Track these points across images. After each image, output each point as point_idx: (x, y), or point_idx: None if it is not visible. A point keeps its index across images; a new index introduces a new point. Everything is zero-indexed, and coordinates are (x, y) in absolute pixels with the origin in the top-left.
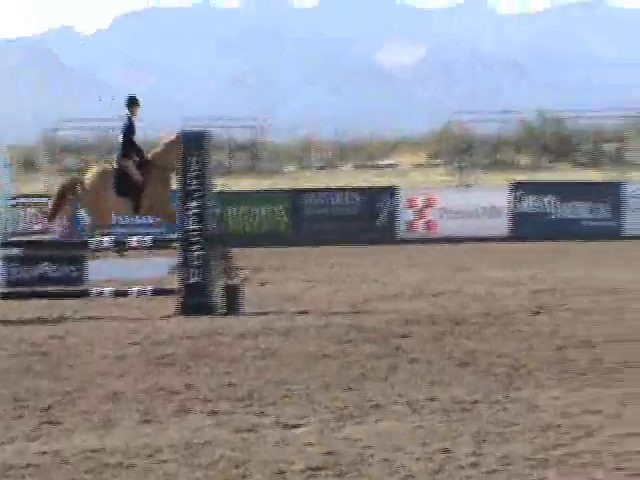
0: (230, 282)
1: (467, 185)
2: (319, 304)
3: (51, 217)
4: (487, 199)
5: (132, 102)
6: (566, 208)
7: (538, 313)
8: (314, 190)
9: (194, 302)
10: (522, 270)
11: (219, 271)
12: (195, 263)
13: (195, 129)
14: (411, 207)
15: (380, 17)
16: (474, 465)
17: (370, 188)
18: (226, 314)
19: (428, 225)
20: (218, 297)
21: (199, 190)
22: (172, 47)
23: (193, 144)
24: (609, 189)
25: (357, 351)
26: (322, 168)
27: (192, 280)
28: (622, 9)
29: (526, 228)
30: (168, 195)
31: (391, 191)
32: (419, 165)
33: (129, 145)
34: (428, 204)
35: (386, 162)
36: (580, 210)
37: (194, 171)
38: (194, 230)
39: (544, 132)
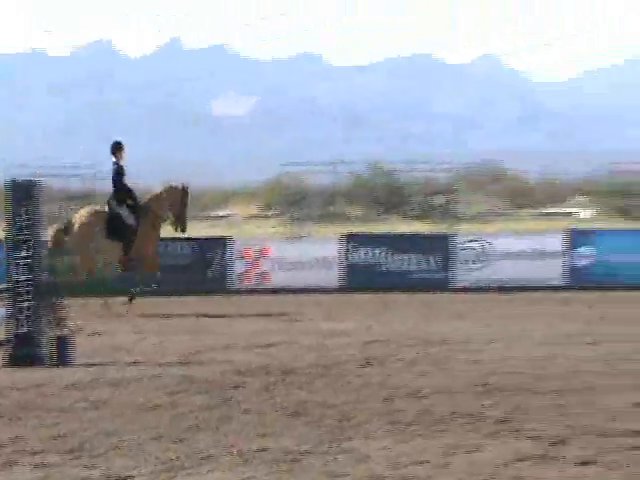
0: (60, 333)
1: (300, 236)
2: (151, 355)
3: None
4: (319, 250)
5: (117, 147)
6: (397, 260)
7: (369, 364)
8: None
9: (23, 353)
10: (353, 321)
11: (49, 321)
12: (24, 313)
13: (24, 178)
14: (244, 258)
15: (213, 67)
16: None
17: (202, 238)
18: (56, 365)
19: (261, 276)
20: (48, 348)
21: (29, 240)
22: (2, 95)
23: (22, 194)
24: (438, 241)
25: (189, 402)
26: None
27: (21, 330)
28: (461, 65)
29: (357, 279)
30: (156, 242)
31: (224, 241)
32: (252, 216)
33: (121, 189)
34: (261, 255)
35: (219, 212)
36: (410, 262)
37: (24, 221)
38: (24, 280)
39: (375, 184)
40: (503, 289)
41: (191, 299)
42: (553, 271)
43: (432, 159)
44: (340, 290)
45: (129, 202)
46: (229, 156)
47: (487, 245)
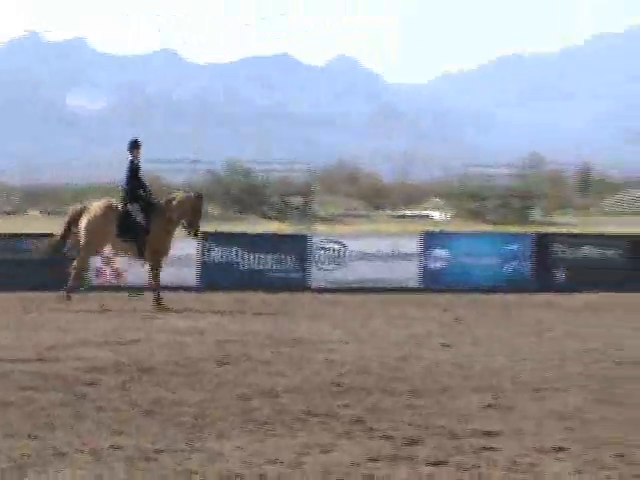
0: None
1: None
2: (4, 351)
3: (54, 249)
4: (177, 248)
5: (134, 145)
6: (253, 259)
7: (224, 363)
8: (1, 235)
9: None
10: (210, 319)
11: None
12: None
13: None
14: (100, 255)
15: (71, 61)
16: None
17: (59, 234)
18: None
19: (116, 273)
20: None
21: None
22: None
23: None
24: (295, 241)
25: (42, 399)
26: (10, 213)
27: None
28: (318, 66)
29: (215, 278)
30: (169, 245)
31: None
32: None
33: (136, 186)
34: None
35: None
36: (267, 261)
37: None
38: None
39: (232, 183)
40: (359, 290)
41: (49, 295)
42: (408, 273)
43: (289, 159)
44: (197, 288)
45: (142, 198)
46: (86, 152)
47: (343, 246)
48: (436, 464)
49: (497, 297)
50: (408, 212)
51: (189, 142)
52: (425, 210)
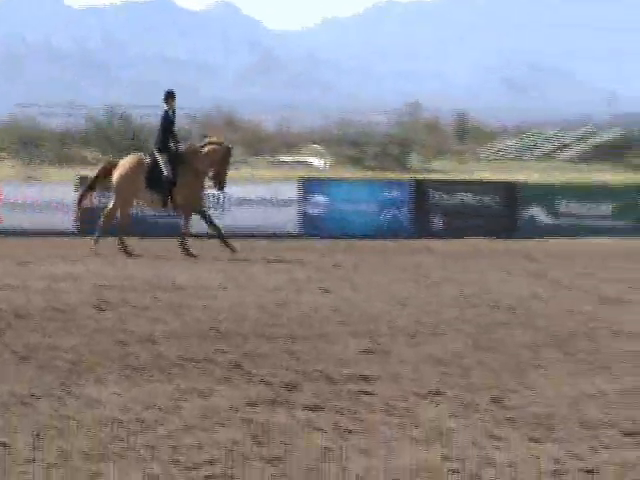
0: None
1: (34, 179)
2: None
3: (80, 202)
4: (54, 193)
5: (169, 96)
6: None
7: (101, 309)
8: None
9: None
10: (87, 265)
11: None
12: None
13: None
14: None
15: None
16: (33, 460)
17: None
18: None
19: None
20: None
21: None
22: None
23: None
24: None
25: None
26: None
27: None
28: (197, 10)
29: (93, 223)
30: (200, 193)
31: None
32: None
33: (167, 136)
34: None
35: None
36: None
37: None
38: None
39: (112, 128)
40: (238, 236)
41: None
42: (287, 219)
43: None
44: (73, 234)
45: (171, 150)
46: None
47: (223, 192)
48: (314, 409)
49: (375, 243)
50: (287, 158)
51: (68, 87)
52: (304, 156)
